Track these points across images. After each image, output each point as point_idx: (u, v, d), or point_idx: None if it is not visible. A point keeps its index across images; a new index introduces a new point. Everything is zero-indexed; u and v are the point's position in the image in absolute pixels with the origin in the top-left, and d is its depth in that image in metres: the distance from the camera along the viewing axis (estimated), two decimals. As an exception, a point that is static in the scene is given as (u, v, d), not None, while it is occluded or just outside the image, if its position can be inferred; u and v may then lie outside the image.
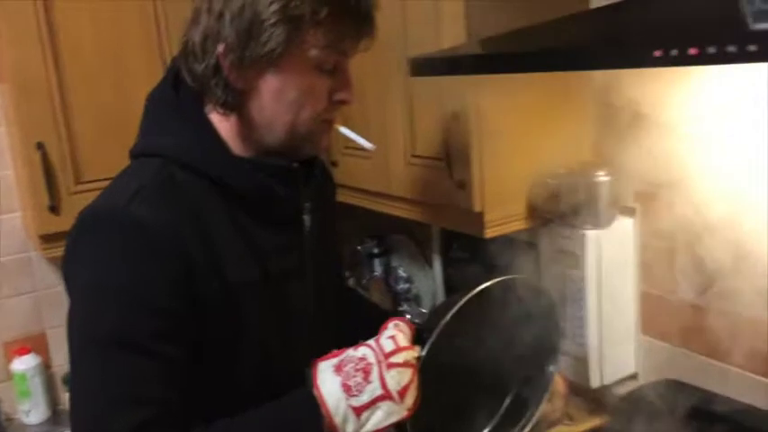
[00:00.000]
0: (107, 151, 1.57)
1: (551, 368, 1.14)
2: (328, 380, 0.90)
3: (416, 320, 1.71)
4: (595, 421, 1.46)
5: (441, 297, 1.92)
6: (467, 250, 1.78)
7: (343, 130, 1.06)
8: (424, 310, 2.20)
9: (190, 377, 0.91)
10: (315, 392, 0.90)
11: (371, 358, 0.91)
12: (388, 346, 0.92)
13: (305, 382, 0.93)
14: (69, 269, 0.94)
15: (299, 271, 1.07)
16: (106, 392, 0.86)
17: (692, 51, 0.64)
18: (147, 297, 0.88)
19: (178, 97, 1.00)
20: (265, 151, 1.01)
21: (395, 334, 0.93)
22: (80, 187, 1.59)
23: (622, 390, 1.47)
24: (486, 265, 1.71)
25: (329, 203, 1.24)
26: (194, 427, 0.89)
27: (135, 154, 1.01)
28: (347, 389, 0.89)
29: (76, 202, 1.54)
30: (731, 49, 0.61)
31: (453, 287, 1.87)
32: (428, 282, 2.16)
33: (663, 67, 0.66)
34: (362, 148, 1.10)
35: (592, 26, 1.01)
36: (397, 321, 0.97)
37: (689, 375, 1.38)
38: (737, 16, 0.63)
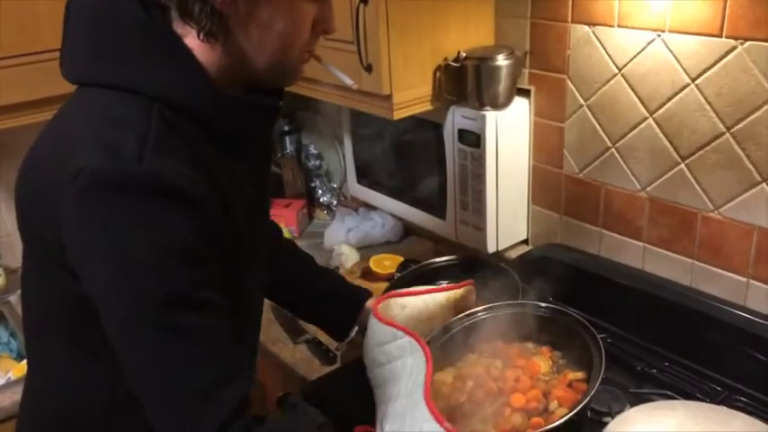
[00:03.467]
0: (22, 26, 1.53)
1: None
2: None
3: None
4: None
5: (351, 173, 2.02)
6: (374, 128, 1.86)
7: (329, 66, 1.03)
8: (334, 185, 2.31)
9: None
10: None
11: None
12: None
13: None
14: (87, 243, 0.83)
15: (262, 203, 1.07)
16: (188, 359, 0.82)
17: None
18: (183, 251, 0.82)
19: (151, 20, 0.87)
20: (248, 84, 0.95)
21: None
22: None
23: (514, 254, 1.66)
24: (393, 143, 1.82)
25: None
26: None
27: (91, 80, 0.89)
28: None
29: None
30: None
31: (363, 164, 1.97)
32: (338, 158, 2.25)
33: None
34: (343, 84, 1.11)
35: None
36: None
37: (571, 240, 1.57)
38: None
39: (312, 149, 2.31)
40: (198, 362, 0.83)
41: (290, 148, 2.30)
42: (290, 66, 0.95)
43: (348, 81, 1.09)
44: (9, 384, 1.59)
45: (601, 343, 1.13)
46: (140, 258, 0.80)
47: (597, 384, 1.05)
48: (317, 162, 2.31)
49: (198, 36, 0.87)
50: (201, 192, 0.83)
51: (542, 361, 1.20)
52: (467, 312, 1.26)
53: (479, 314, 1.26)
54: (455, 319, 1.25)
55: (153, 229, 0.80)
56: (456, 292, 1.29)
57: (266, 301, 1.19)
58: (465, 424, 1.08)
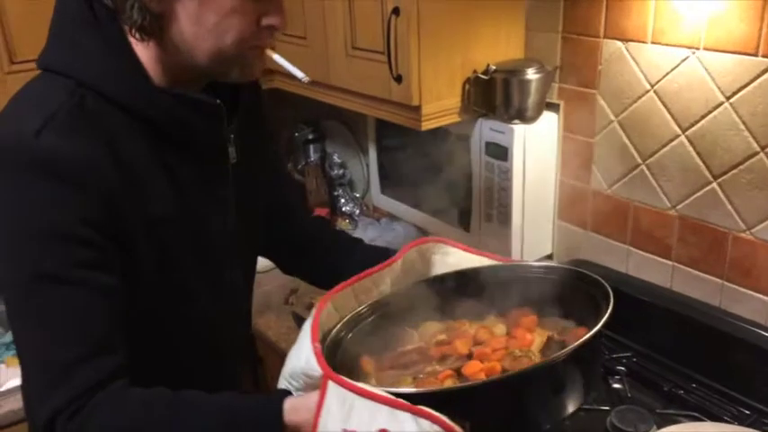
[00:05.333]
0: (39, 31, 1.54)
1: None
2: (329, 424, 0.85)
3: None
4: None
5: (374, 183, 2.02)
6: (400, 139, 1.86)
7: (277, 57, 1.00)
8: (357, 195, 2.31)
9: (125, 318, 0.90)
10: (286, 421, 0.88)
11: None
12: None
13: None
14: None
15: (222, 205, 1.05)
16: (55, 333, 0.85)
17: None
18: (66, 228, 0.84)
19: (93, 14, 0.90)
20: (192, 78, 0.96)
21: None
22: (15, 67, 1.57)
23: (539, 268, 1.64)
24: (418, 154, 1.81)
25: (259, 128, 1.18)
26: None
27: (41, 66, 0.93)
28: None
29: (12, 82, 1.53)
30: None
31: (387, 174, 1.97)
32: (361, 168, 2.26)
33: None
34: (294, 77, 1.04)
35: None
36: None
37: (597, 256, 1.56)
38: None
39: (336, 158, 2.32)
40: (62, 337, 0.85)
41: (313, 156, 2.31)
42: (234, 60, 0.94)
43: (300, 74, 1.03)
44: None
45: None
46: (22, 230, 0.85)
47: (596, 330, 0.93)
48: (341, 171, 2.31)
49: (131, 32, 0.90)
50: (97, 176, 0.86)
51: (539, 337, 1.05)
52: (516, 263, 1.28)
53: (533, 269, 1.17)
54: (494, 264, 1.18)
55: (38, 203, 0.84)
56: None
57: (286, 308, 1.20)
58: (391, 374, 1.01)
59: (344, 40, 1.59)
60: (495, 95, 1.50)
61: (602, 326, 0.93)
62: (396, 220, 2.05)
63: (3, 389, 1.66)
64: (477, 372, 0.96)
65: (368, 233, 2.05)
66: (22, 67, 1.57)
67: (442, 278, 1.17)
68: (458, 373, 0.98)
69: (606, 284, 1.03)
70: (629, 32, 1.36)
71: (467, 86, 1.52)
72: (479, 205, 1.62)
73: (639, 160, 1.42)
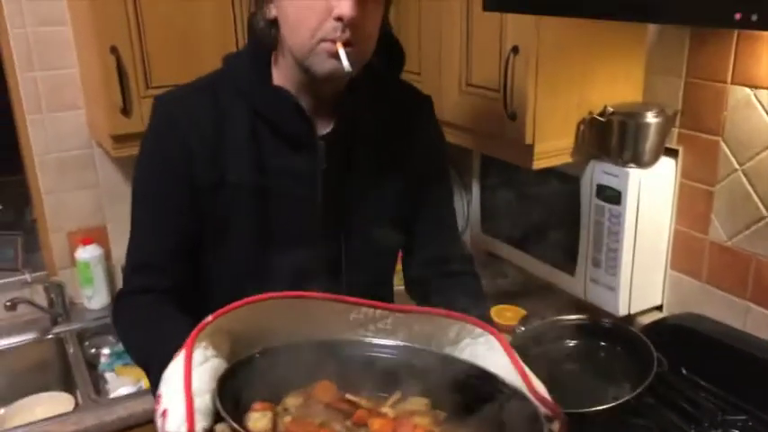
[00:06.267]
0: (174, 58, 1.64)
1: None
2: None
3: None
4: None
5: (475, 221, 2.01)
6: (505, 177, 1.85)
7: (341, 51, 0.99)
8: (456, 232, 2.30)
9: (190, 255, 1.11)
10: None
11: None
12: None
13: None
14: None
15: (309, 198, 1.10)
16: (136, 241, 1.12)
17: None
18: (158, 164, 1.08)
19: (254, 39, 1.09)
20: (305, 81, 1.05)
21: None
22: (150, 92, 1.66)
23: (647, 319, 1.58)
24: (524, 193, 1.80)
25: (416, 151, 1.20)
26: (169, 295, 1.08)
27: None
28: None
29: (147, 105, 1.62)
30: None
31: (489, 212, 1.95)
32: (462, 204, 2.25)
33: (742, 30, 0.71)
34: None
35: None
36: None
37: (712, 311, 1.48)
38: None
39: (438, 194, 2.31)
40: (140, 245, 1.12)
41: (416, 190, 2.31)
42: (310, 56, 1.00)
43: (345, 63, 0.99)
44: (140, 393, 1.67)
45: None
46: (143, 152, 1.12)
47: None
48: (442, 207, 2.31)
49: (266, 48, 1.07)
50: (186, 133, 1.06)
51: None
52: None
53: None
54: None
55: (148, 132, 1.11)
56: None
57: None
58: None
59: (459, 77, 1.61)
60: (610, 138, 1.47)
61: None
62: (495, 258, 2.03)
63: (112, 396, 1.73)
64: None
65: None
66: (156, 91, 1.66)
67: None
68: None
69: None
70: (758, 79, 1.31)
71: (581, 127, 1.50)
72: (587, 249, 1.58)
73: (765, 212, 1.35)
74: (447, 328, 0.96)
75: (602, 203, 1.51)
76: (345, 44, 0.98)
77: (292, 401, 0.88)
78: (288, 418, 0.85)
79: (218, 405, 0.77)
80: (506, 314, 1.77)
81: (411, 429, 0.85)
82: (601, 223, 1.53)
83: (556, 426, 0.86)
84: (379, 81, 1.13)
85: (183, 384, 0.79)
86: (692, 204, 1.49)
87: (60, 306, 1.98)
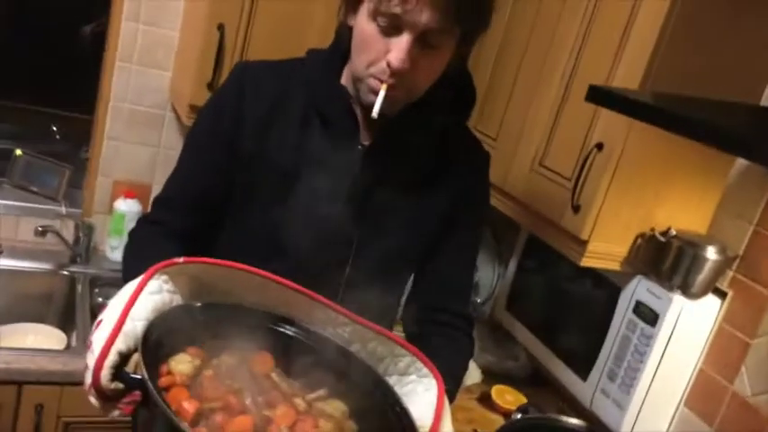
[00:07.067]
0: (274, 45, 1.68)
1: None
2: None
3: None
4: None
5: (501, 296, 2.00)
6: (546, 263, 1.84)
7: (381, 92, 1.03)
8: (478, 300, 2.29)
9: (209, 211, 1.16)
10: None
11: None
12: None
13: None
14: None
15: (337, 196, 1.12)
16: (172, 173, 1.20)
17: None
18: (212, 119, 1.15)
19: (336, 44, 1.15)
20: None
21: None
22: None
23: (647, 447, 1.55)
24: (558, 286, 1.79)
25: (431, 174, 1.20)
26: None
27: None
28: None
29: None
30: None
31: (518, 292, 1.94)
32: (493, 275, 2.24)
33: None
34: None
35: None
36: None
37: (713, 459, 1.45)
38: None
39: (473, 259, 2.31)
40: (169, 182, 1.19)
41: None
42: (360, 82, 1.06)
43: (375, 110, 1.03)
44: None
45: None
46: (206, 104, 1.20)
47: None
48: (472, 272, 2.30)
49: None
50: (248, 105, 1.11)
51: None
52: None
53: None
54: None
55: (218, 89, 1.20)
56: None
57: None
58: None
59: (535, 155, 1.62)
60: (665, 260, 1.46)
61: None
62: (509, 339, 2.01)
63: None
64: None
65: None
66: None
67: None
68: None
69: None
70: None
71: (639, 240, 1.49)
72: (606, 360, 1.56)
73: (797, 381, 1.33)
74: (399, 357, 0.98)
75: (637, 320, 1.49)
76: (390, 87, 1.02)
77: (226, 359, 0.90)
78: (209, 372, 0.86)
79: (140, 333, 0.81)
80: (506, 396, 1.74)
81: (310, 427, 0.86)
82: (629, 339, 1.51)
83: None
84: (437, 115, 1.15)
85: (126, 304, 0.83)
86: (726, 350, 1.47)
87: (84, 247, 2.01)
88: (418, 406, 0.93)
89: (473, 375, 1.87)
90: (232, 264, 0.93)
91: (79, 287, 1.92)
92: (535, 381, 1.90)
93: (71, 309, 1.89)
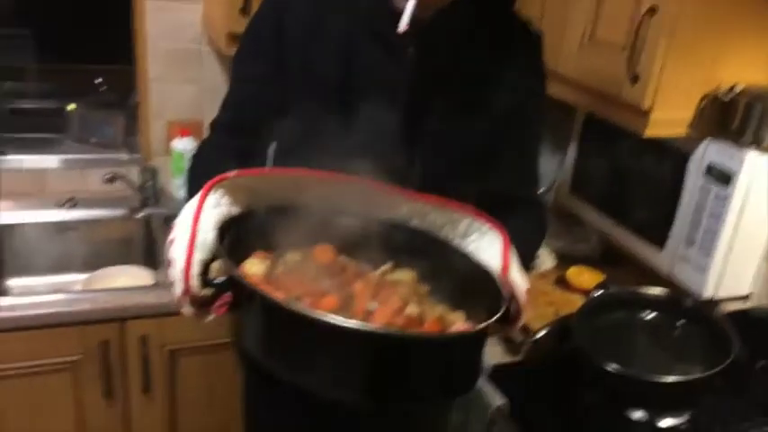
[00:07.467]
0: None
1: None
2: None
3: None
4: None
5: (564, 181, 1.98)
6: (606, 140, 1.81)
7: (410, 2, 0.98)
8: (541, 189, 2.27)
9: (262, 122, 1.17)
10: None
11: None
12: None
13: None
14: None
15: (391, 101, 1.10)
16: (226, 99, 1.22)
17: None
18: (253, 36, 1.17)
19: None
20: None
21: None
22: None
23: (731, 307, 1.55)
24: (622, 162, 1.76)
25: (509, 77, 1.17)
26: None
27: None
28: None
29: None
30: None
31: (581, 175, 1.92)
32: (550, 163, 2.21)
33: None
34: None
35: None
36: None
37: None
38: None
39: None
40: (224, 102, 1.22)
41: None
42: None
43: (403, 23, 0.96)
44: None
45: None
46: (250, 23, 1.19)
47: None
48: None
49: None
50: (288, 16, 1.11)
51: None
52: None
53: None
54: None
55: (258, 7, 1.18)
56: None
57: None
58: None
59: (584, 29, 1.56)
60: (733, 117, 1.42)
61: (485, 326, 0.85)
62: (576, 221, 2.01)
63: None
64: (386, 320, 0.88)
65: (546, 227, 2.01)
66: None
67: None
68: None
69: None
70: None
71: (703, 102, 1.45)
72: (683, 227, 1.54)
73: None
74: (457, 221, 1.03)
75: (710, 184, 1.47)
76: None
77: (291, 257, 0.97)
78: (281, 269, 0.94)
79: (217, 242, 0.87)
80: (583, 276, 1.76)
81: (389, 295, 0.92)
82: (702, 203, 1.49)
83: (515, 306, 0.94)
84: (483, 4, 1.13)
85: (192, 219, 0.89)
86: (805, 200, 1.43)
87: (151, 190, 2.06)
88: (484, 257, 0.99)
89: (546, 261, 1.89)
90: (282, 170, 0.98)
91: (155, 227, 2.00)
92: (608, 260, 1.91)
93: (152, 248, 1.98)
